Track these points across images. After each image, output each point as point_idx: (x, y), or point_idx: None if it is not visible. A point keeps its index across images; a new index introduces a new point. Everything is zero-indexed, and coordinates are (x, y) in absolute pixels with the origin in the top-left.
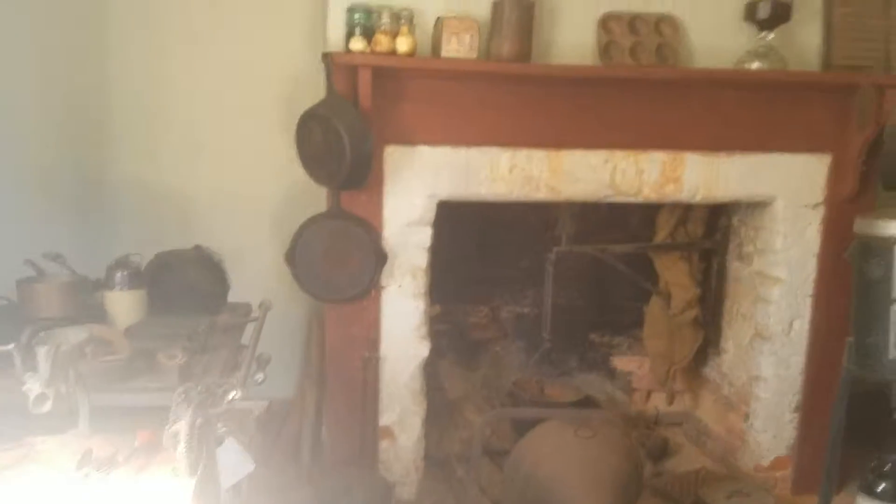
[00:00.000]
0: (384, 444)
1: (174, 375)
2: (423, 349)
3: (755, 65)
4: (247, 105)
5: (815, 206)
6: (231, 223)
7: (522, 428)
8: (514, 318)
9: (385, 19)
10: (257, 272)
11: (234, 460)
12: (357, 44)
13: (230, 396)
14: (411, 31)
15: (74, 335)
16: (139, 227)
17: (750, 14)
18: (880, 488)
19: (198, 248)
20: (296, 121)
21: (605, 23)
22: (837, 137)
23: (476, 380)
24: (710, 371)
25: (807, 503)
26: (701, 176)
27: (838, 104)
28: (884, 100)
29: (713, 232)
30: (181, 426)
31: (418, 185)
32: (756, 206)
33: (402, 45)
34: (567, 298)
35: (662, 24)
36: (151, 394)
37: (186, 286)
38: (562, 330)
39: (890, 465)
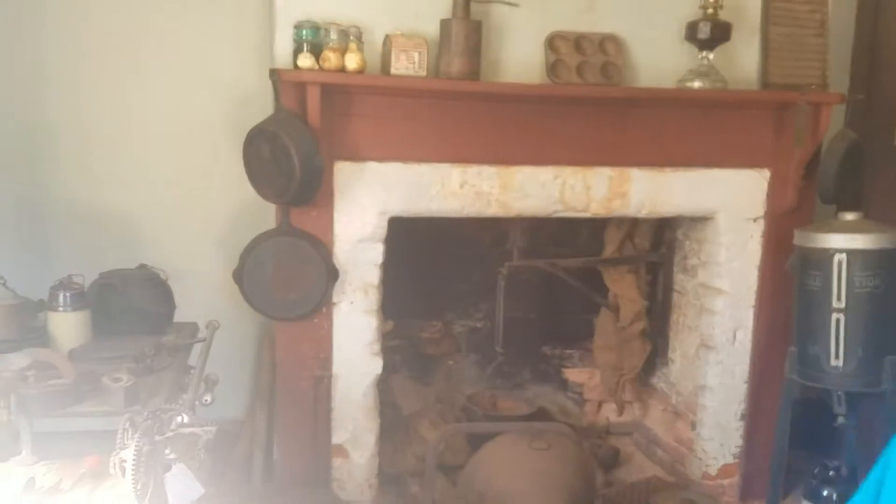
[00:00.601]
0: (337, 463)
1: (120, 398)
2: (375, 366)
3: (696, 83)
4: (192, 123)
5: (756, 219)
6: (177, 242)
7: (477, 442)
8: (468, 332)
9: (333, 36)
10: (205, 291)
11: (183, 486)
12: (305, 61)
13: (178, 421)
14: (360, 48)
15: (17, 360)
16: (81, 247)
17: (691, 34)
18: (824, 493)
19: (143, 267)
20: (243, 138)
21: (552, 41)
22: (776, 153)
23: (430, 395)
24: (658, 381)
25: None
26: (647, 191)
27: (776, 121)
28: (820, 117)
29: (659, 245)
30: (128, 453)
31: (369, 201)
32: (699, 220)
33: (351, 62)
34: (519, 312)
35: (607, 43)
36: (97, 418)
37: (131, 306)
38: (514, 343)
39: (832, 471)
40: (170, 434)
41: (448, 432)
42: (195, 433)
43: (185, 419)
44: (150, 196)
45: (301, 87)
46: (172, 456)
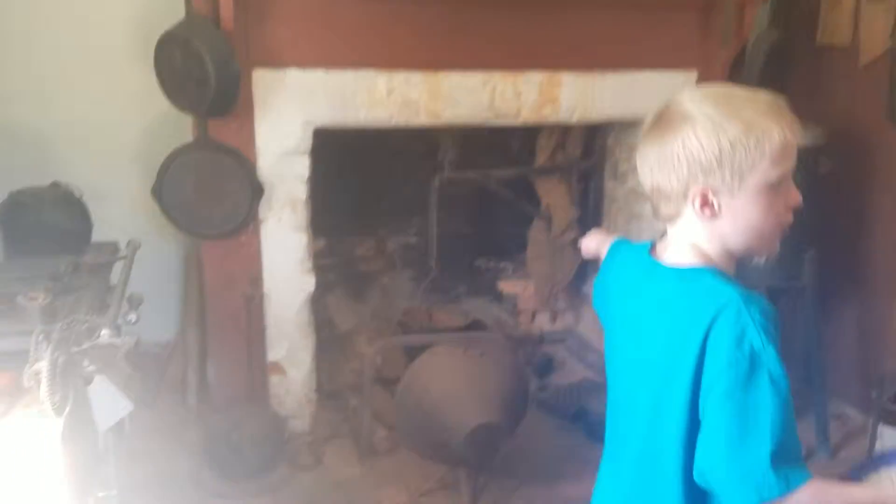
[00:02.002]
0: (274, 380)
1: (36, 317)
2: (308, 283)
3: None
4: (102, 31)
5: None
6: (90, 158)
7: (413, 356)
8: (401, 248)
9: None
10: (124, 210)
11: (109, 400)
12: None
13: (97, 334)
14: None
15: None
16: None
17: None
18: None
19: (55, 185)
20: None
21: None
22: (703, 54)
23: (366, 312)
24: (589, 288)
25: None
26: (577, 96)
27: (702, 22)
28: (744, 16)
29: (590, 153)
30: (42, 365)
31: (292, 111)
32: (629, 126)
33: None
34: (453, 226)
35: None
36: (12, 338)
37: (45, 226)
38: (448, 257)
39: None
40: (87, 346)
41: (384, 345)
42: (114, 344)
43: (105, 332)
44: (60, 111)
45: None
46: (92, 368)
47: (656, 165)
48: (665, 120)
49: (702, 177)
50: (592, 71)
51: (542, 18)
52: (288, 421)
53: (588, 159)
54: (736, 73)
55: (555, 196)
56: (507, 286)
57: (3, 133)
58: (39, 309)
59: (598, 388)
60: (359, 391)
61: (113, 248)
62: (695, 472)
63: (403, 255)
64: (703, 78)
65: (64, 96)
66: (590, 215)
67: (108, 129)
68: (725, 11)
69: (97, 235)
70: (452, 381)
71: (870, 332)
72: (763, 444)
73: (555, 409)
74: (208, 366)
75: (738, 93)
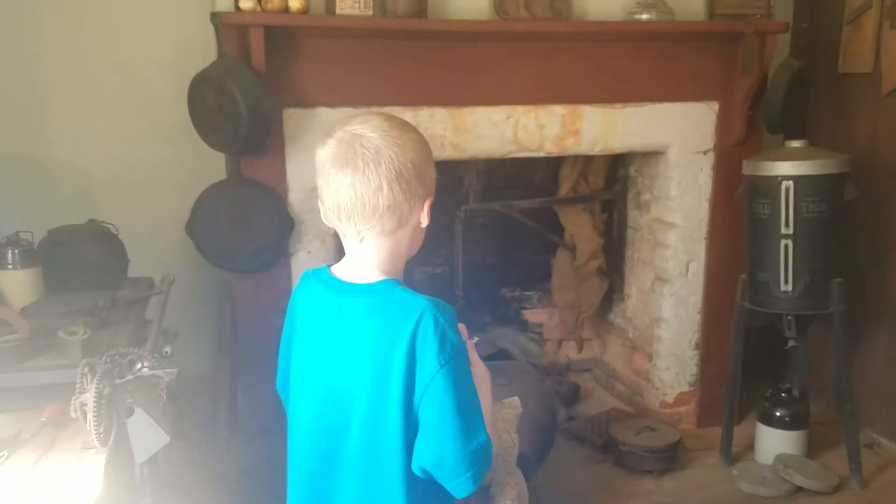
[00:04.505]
0: None
1: (77, 351)
2: None
3: (644, 16)
4: (139, 73)
5: (706, 152)
6: (126, 195)
7: None
8: (428, 278)
9: None
10: (158, 246)
11: (147, 433)
12: (246, 2)
13: (137, 366)
14: None
15: None
16: (26, 204)
17: None
18: (777, 415)
19: (92, 222)
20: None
21: None
22: (724, 85)
23: None
24: (615, 317)
25: (710, 434)
26: (599, 128)
27: (724, 53)
28: (765, 46)
29: (613, 183)
30: (88, 396)
31: None
32: (651, 156)
33: (294, 1)
34: (478, 256)
35: None
36: (54, 371)
37: (83, 262)
38: (474, 287)
39: (784, 393)
40: (130, 377)
41: None
42: (156, 375)
43: (146, 364)
44: (96, 150)
45: (244, 30)
46: (132, 401)
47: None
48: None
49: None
50: (614, 103)
51: (563, 53)
52: None
53: (611, 189)
54: (757, 104)
55: (578, 225)
56: (532, 315)
57: (43, 172)
58: (80, 343)
59: (626, 417)
60: None
61: (148, 283)
62: (415, 465)
63: (430, 284)
64: (725, 109)
65: (101, 136)
66: (613, 244)
67: (144, 168)
68: (746, 41)
69: (133, 271)
70: None
71: None
72: (481, 421)
73: (583, 438)
74: (239, 398)
75: None
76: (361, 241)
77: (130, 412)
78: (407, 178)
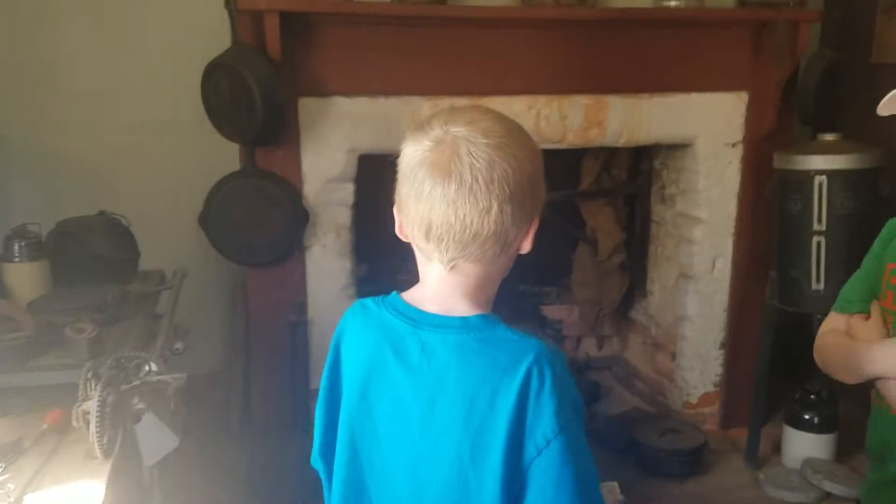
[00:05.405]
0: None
1: (84, 349)
2: None
3: (672, 2)
4: (146, 59)
5: (735, 144)
6: (137, 186)
7: None
8: None
9: None
10: (170, 238)
11: (156, 436)
12: None
13: (145, 370)
14: None
15: None
16: (35, 195)
17: None
18: (805, 418)
19: (102, 213)
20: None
21: None
22: (754, 75)
23: None
24: (637, 314)
25: (735, 436)
26: (623, 119)
27: (754, 41)
28: (798, 35)
29: (636, 176)
30: (91, 404)
31: (337, 138)
32: (677, 148)
33: None
34: None
35: None
36: (60, 371)
37: (92, 255)
38: None
39: (813, 395)
40: (137, 383)
41: None
42: (164, 381)
43: (153, 367)
44: (108, 139)
45: (258, 16)
46: (141, 406)
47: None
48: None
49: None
50: (639, 93)
51: (588, 41)
52: None
53: (634, 182)
54: (788, 95)
55: (601, 219)
56: (550, 311)
57: (51, 162)
58: (87, 342)
59: (648, 418)
60: None
61: (160, 276)
62: None
63: None
64: (755, 100)
65: (111, 125)
66: (636, 239)
67: (156, 158)
68: (778, 30)
69: (144, 264)
70: None
71: None
72: (601, 499)
73: (604, 440)
74: (252, 393)
75: None
76: (452, 268)
77: (138, 418)
78: (521, 198)
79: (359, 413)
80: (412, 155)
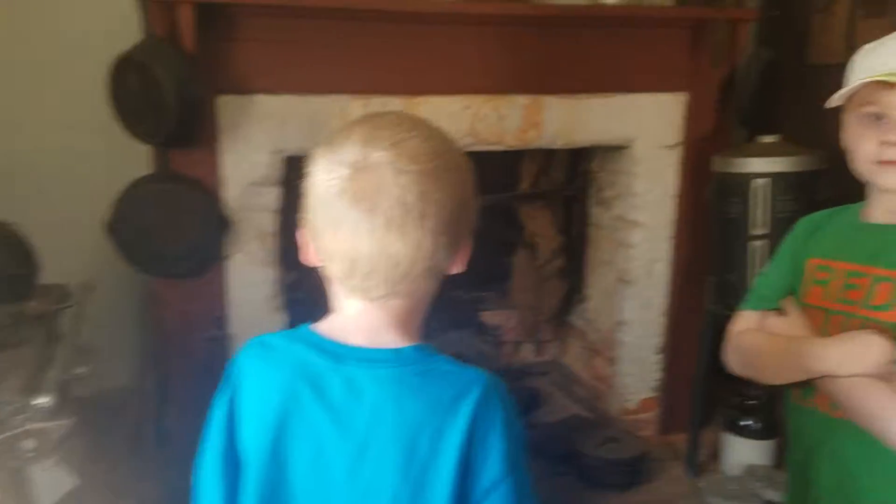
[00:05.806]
0: None
1: None
2: (277, 322)
3: (610, 0)
4: (43, 52)
5: (674, 146)
6: (36, 192)
7: None
8: None
9: None
10: (75, 249)
11: (49, 479)
12: None
13: (23, 416)
14: None
15: None
16: None
17: None
18: (743, 425)
19: None
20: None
21: None
22: (693, 75)
23: None
24: (575, 319)
25: (675, 442)
26: (562, 120)
27: (693, 41)
28: (737, 35)
29: (574, 178)
30: None
31: (260, 139)
32: (615, 150)
33: None
34: None
35: None
36: None
37: None
38: None
39: (752, 400)
40: (19, 431)
41: None
42: (44, 430)
43: (45, 400)
44: (2, 140)
45: (171, 6)
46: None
47: None
48: None
49: None
50: (578, 94)
51: (525, 39)
52: None
53: (572, 185)
54: (726, 96)
55: (539, 223)
56: (489, 317)
57: None
58: None
59: (588, 426)
60: None
61: (62, 292)
62: None
63: None
64: (694, 101)
65: (7, 123)
66: (573, 243)
67: (57, 160)
68: (717, 29)
69: (44, 278)
70: None
71: None
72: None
73: (543, 450)
74: (167, 416)
75: None
76: (375, 300)
77: (26, 463)
78: (455, 227)
79: (268, 479)
80: (328, 183)
